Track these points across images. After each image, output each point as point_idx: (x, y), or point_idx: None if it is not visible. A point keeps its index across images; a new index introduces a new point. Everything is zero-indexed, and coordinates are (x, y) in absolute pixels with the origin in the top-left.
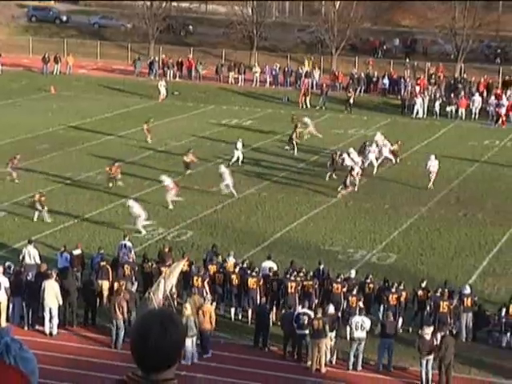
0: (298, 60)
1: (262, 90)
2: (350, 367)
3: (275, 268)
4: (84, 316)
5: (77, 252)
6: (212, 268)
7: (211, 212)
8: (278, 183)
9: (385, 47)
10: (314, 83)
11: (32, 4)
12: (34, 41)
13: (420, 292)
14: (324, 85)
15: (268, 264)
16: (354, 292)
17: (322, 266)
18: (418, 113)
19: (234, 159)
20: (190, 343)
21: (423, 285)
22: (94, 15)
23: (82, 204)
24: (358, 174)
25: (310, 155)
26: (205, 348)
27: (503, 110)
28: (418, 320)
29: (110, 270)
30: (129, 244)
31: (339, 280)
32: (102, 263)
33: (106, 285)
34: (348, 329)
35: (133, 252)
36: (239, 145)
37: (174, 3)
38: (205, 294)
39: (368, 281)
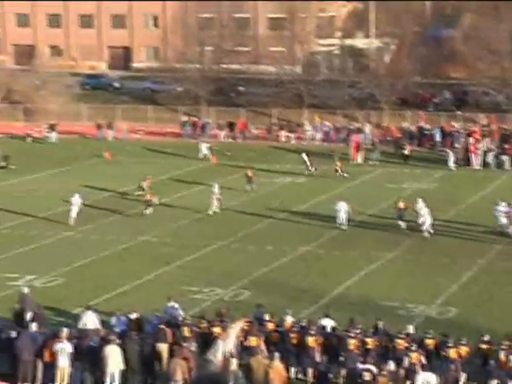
0: (349, 116)
1: (314, 148)
2: None
3: (334, 325)
4: (144, 380)
5: (134, 316)
6: (269, 326)
7: (267, 271)
8: (334, 240)
9: (435, 100)
10: (366, 138)
11: (85, 72)
12: (88, 108)
13: (483, 346)
14: (376, 140)
15: (326, 322)
16: (414, 348)
17: (380, 323)
18: (472, 164)
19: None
20: None
21: (485, 338)
22: (146, 80)
23: (138, 267)
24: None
25: (366, 210)
26: None
27: None
28: (482, 374)
29: (168, 332)
30: (176, 306)
31: (401, 336)
32: (161, 326)
33: (164, 348)
34: None
35: (181, 312)
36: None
37: (224, 65)
38: (261, 353)
39: (428, 336)
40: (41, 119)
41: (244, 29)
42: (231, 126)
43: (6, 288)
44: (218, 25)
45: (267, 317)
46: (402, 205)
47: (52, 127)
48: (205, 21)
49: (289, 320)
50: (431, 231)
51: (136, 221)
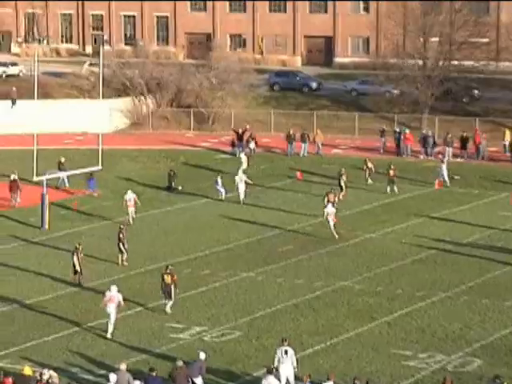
0: None
1: None
2: None
3: None
4: None
5: None
6: None
7: (506, 333)
8: None
9: None
10: None
11: (274, 69)
12: (276, 114)
13: None
14: None
15: None
16: None
17: None
18: None
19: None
20: None
21: None
22: (351, 80)
23: (335, 322)
24: None
25: None
26: None
27: None
28: None
29: None
30: None
31: None
32: None
33: None
34: None
35: None
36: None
37: (455, 61)
38: None
39: None
40: (217, 128)
41: (482, 14)
42: (463, 140)
43: (168, 341)
44: (447, 9)
45: None
46: None
47: (240, 137)
48: (431, 4)
49: None
50: None
51: (334, 260)
